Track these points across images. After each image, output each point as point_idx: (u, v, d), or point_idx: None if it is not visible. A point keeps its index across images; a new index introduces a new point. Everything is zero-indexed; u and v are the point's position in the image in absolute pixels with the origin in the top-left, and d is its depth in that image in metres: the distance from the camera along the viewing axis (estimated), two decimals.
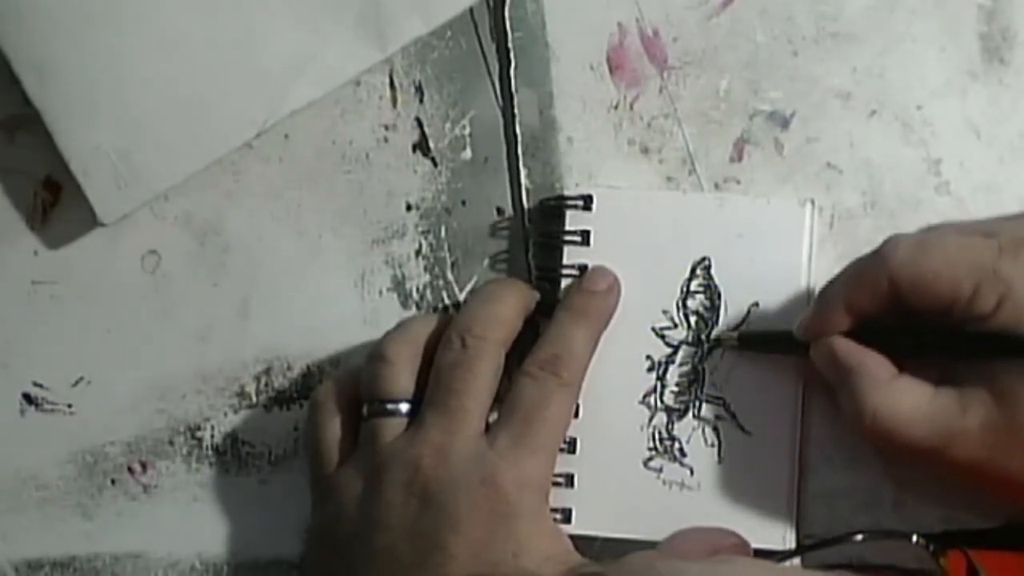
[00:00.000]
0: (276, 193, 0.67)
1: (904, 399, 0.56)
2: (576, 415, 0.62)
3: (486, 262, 0.66)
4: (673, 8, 0.66)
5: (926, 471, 0.60)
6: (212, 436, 0.67)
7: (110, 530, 0.67)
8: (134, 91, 0.65)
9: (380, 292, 0.67)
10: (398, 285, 0.67)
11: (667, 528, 0.61)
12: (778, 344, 0.62)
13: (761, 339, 0.62)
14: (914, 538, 0.59)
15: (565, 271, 0.64)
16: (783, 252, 0.63)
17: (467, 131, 0.67)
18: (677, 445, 0.62)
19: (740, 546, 0.60)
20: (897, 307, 0.57)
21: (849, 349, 0.58)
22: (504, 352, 0.61)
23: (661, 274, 0.63)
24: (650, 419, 0.63)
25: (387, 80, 0.67)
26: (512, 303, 0.62)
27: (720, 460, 0.62)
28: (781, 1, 0.65)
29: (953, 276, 0.55)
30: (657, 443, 0.63)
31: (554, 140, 0.66)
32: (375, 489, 0.59)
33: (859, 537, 0.60)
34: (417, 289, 0.67)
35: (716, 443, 0.62)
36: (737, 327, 0.63)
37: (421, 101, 0.67)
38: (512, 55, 0.66)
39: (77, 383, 0.67)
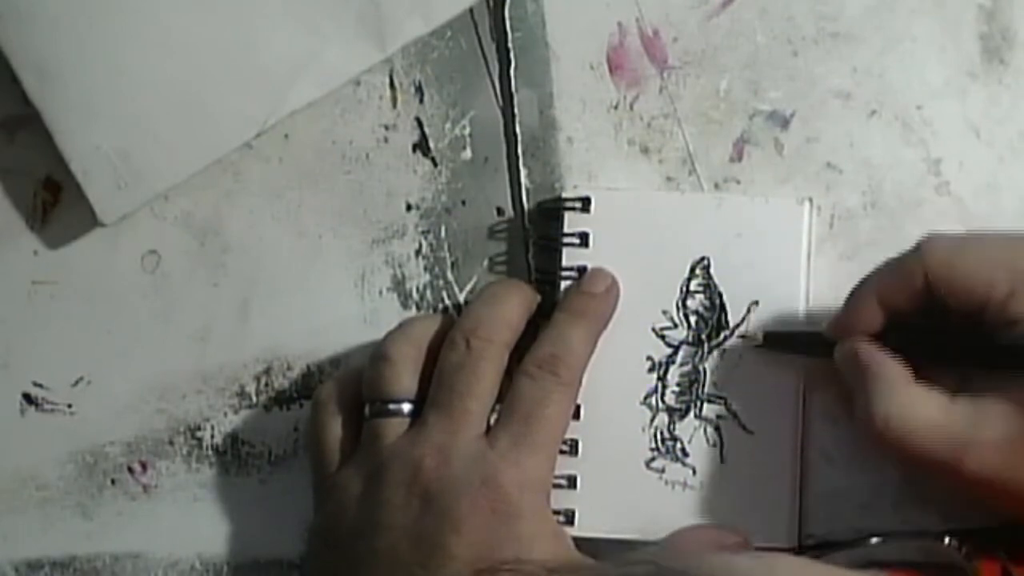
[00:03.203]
0: (276, 193, 0.67)
1: (919, 407, 0.56)
2: (578, 416, 0.62)
3: (486, 262, 0.66)
4: (673, 8, 0.66)
5: (937, 480, 0.59)
6: (212, 436, 0.67)
7: (110, 530, 0.67)
8: (134, 91, 0.65)
9: (380, 292, 0.67)
10: (398, 285, 0.67)
11: (671, 529, 0.61)
12: (803, 345, 0.62)
13: (787, 339, 0.62)
14: (946, 540, 0.59)
15: (564, 273, 0.64)
16: (782, 251, 0.63)
17: (467, 131, 0.67)
18: (679, 445, 0.63)
19: (742, 544, 0.60)
20: (929, 307, 0.57)
21: (871, 352, 0.58)
22: (507, 354, 0.61)
23: (660, 274, 0.63)
24: (652, 419, 0.63)
25: (387, 80, 0.67)
26: (516, 305, 0.62)
27: (722, 460, 0.62)
28: (781, 1, 0.65)
29: (989, 277, 0.55)
30: (659, 443, 0.63)
31: (554, 140, 0.66)
32: (376, 489, 0.59)
33: (875, 540, 0.60)
34: (417, 289, 0.67)
35: (718, 443, 0.62)
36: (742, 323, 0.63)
37: (421, 101, 0.67)
38: (512, 55, 0.66)
39: (77, 383, 0.67)
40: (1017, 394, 0.54)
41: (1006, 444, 0.54)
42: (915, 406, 0.56)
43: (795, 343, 0.62)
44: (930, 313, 0.57)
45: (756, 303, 0.63)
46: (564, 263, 0.64)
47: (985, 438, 0.54)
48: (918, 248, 0.57)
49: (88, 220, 0.66)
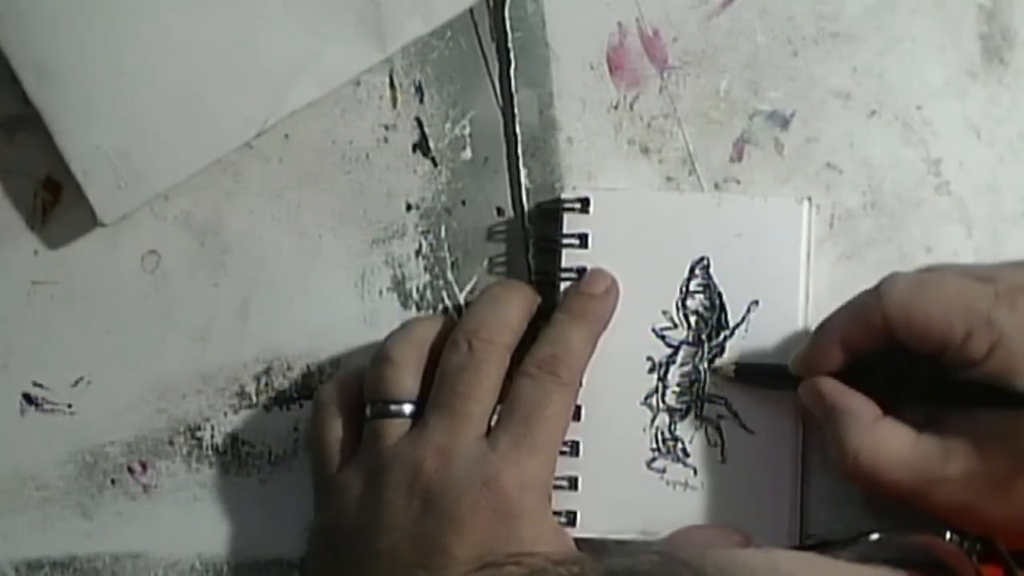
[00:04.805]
0: (276, 193, 0.67)
1: (886, 443, 0.57)
2: (578, 417, 0.62)
3: (486, 263, 0.66)
4: (673, 8, 0.66)
5: (907, 510, 0.59)
6: (212, 436, 0.67)
7: (110, 530, 0.67)
8: (134, 91, 0.64)
9: (380, 292, 0.67)
10: (398, 285, 0.67)
11: (672, 529, 0.61)
12: (773, 378, 0.62)
13: (757, 372, 0.62)
14: (948, 535, 0.59)
15: (564, 274, 0.64)
16: (781, 250, 0.63)
17: (467, 131, 0.67)
18: (680, 445, 0.63)
19: (743, 544, 0.60)
20: (891, 346, 0.57)
21: (836, 389, 0.58)
22: (509, 355, 0.61)
23: (660, 275, 0.63)
24: (652, 420, 0.63)
25: (387, 80, 0.67)
26: (517, 306, 0.62)
27: (723, 460, 0.62)
28: (781, 1, 0.65)
29: (946, 319, 0.55)
30: (660, 444, 0.63)
31: (554, 140, 0.66)
32: (377, 490, 0.59)
33: (874, 536, 0.60)
34: (417, 289, 0.67)
35: (719, 442, 0.62)
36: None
37: (421, 101, 0.67)
38: (512, 55, 0.66)
39: (77, 383, 0.67)
40: (979, 432, 0.55)
41: (969, 480, 0.55)
42: (883, 442, 0.57)
43: (767, 376, 0.62)
44: (894, 351, 0.57)
45: (756, 303, 0.63)
46: (564, 264, 0.64)
47: (950, 474, 0.55)
48: (877, 289, 0.57)
49: (88, 220, 0.66)
